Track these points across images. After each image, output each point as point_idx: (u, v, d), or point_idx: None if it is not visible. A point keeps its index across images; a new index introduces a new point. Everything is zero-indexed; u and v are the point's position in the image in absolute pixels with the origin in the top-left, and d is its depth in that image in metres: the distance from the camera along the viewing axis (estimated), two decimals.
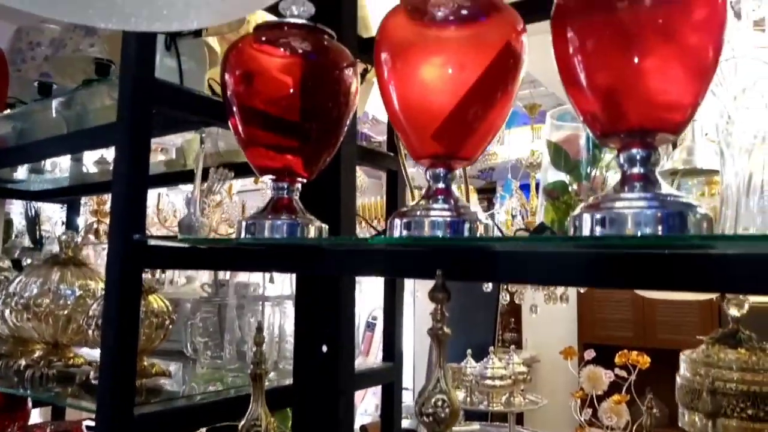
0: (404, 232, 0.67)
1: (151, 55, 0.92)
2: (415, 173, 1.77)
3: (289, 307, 1.35)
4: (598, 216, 0.54)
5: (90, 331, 1.07)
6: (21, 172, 1.95)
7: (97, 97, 1.40)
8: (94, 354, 1.19)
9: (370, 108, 2.02)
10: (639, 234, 0.52)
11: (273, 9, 0.90)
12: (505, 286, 2.48)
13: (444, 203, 0.68)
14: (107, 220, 2.26)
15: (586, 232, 0.55)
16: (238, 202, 2.87)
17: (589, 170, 1.09)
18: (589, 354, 2.42)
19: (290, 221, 0.82)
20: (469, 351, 2.56)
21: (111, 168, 1.82)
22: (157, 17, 0.60)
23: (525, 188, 3.29)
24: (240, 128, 0.88)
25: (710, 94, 0.67)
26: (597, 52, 0.58)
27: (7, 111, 1.53)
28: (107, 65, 1.53)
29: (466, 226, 0.66)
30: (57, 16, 0.61)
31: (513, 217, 2.57)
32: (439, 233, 0.65)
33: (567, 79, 0.60)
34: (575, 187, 1.12)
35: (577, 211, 0.57)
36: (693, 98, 0.56)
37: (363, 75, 1.47)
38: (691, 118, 0.56)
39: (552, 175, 1.17)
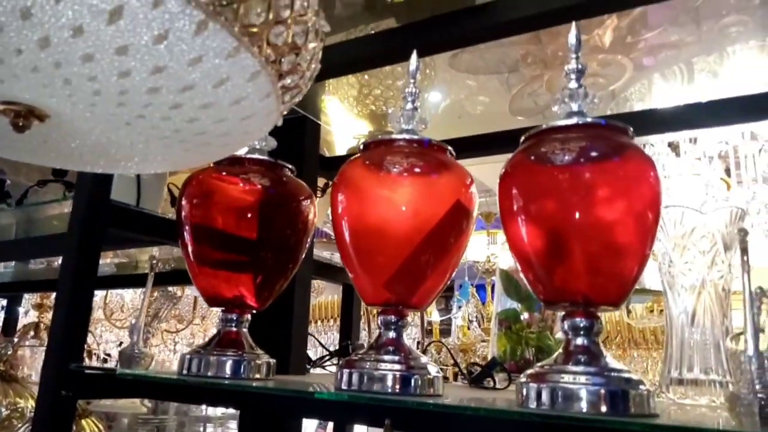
0: (352, 384, 0.66)
1: (109, 178, 0.92)
2: None
3: (233, 428, 1.29)
4: (543, 388, 0.54)
5: None
6: None
7: (49, 201, 1.37)
8: None
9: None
10: (584, 411, 0.52)
11: None
12: None
13: (394, 354, 0.67)
14: (49, 315, 2.15)
15: (531, 403, 0.55)
16: (191, 297, 2.79)
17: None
18: None
19: (236, 357, 0.80)
20: None
21: (57, 265, 1.76)
22: (113, 166, 0.61)
23: (482, 288, 3.32)
24: (191, 252, 0.86)
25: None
26: (539, 217, 0.61)
27: None
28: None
29: (415, 380, 0.65)
30: (19, 159, 0.61)
31: (470, 322, 2.57)
32: (388, 387, 0.64)
33: (512, 241, 0.63)
34: (527, 316, 1.13)
35: (523, 378, 0.57)
36: (634, 270, 0.58)
37: (324, 189, 1.50)
38: (631, 290, 0.58)
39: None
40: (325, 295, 2.87)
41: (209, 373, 0.78)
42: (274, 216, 0.86)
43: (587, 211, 0.58)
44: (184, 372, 0.79)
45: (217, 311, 2.86)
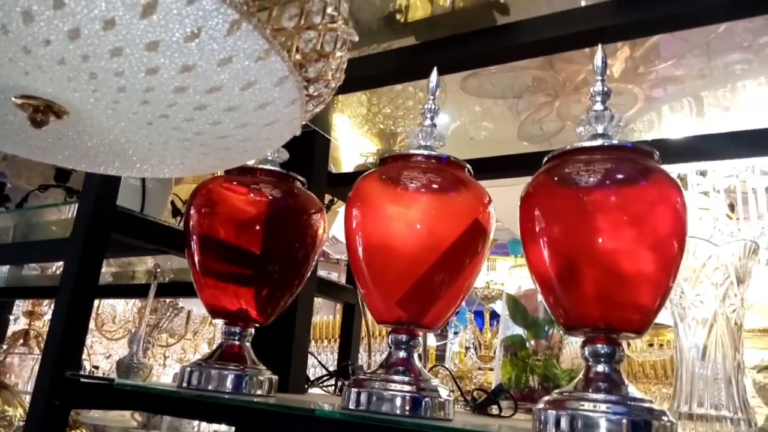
0: (361, 404, 0.64)
1: (116, 183, 0.91)
2: None
3: None
4: (563, 415, 0.52)
5: None
6: None
7: (50, 205, 1.35)
8: None
9: (332, 230, 2.04)
10: None
11: None
12: None
13: (404, 375, 0.65)
14: (40, 323, 2.11)
15: (550, 431, 0.53)
16: (184, 311, 2.75)
17: (547, 328, 1.09)
18: None
19: (238, 372, 0.77)
20: None
21: (52, 272, 1.73)
22: (128, 168, 0.59)
23: (479, 315, 3.28)
24: (197, 262, 0.85)
25: None
26: (561, 240, 0.59)
27: None
28: (68, 172, 1.50)
29: (426, 402, 0.63)
30: (30, 157, 0.59)
31: (467, 349, 2.54)
32: (397, 409, 0.62)
33: (533, 263, 0.61)
34: (533, 343, 1.11)
35: (541, 405, 0.55)
36: (657, 298, 0.57)
37: (329, 206, 1.49)
38: (654, 319, 0.57)
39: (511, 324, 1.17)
40: (320, 316, 2.84)
41: (210, 387, 0.76)
42: (283, 228, 0.85)
43: (610, 235, 0.57)
44: (184, 385, 0.77)
45: (208, 328, 2.80)
